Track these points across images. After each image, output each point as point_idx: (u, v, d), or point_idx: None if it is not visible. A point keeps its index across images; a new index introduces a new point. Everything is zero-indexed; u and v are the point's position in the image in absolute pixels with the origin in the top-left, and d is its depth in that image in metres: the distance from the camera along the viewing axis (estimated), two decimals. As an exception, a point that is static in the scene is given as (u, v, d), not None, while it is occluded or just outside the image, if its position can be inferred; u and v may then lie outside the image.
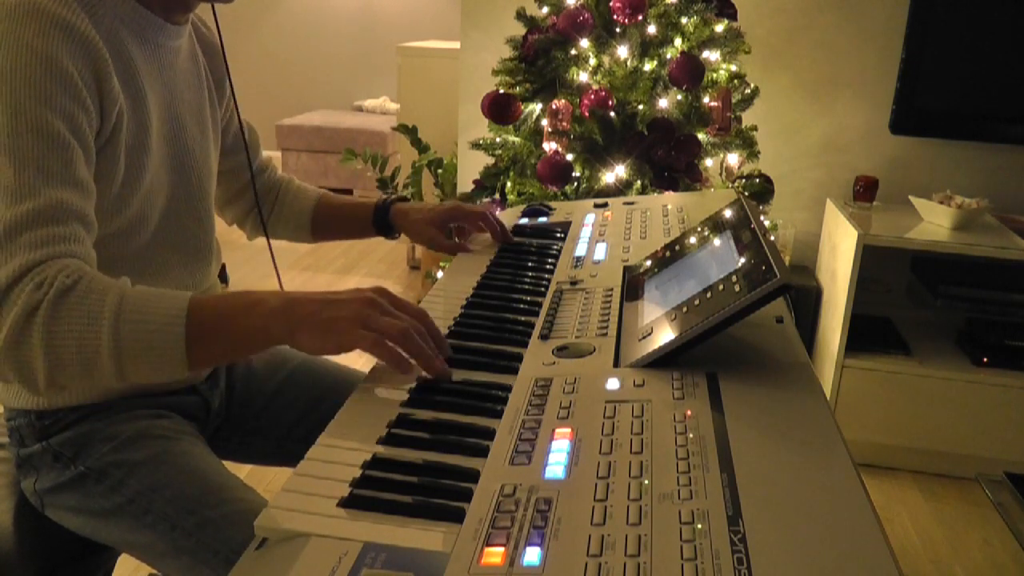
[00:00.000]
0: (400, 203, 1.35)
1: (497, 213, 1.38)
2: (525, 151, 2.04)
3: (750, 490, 0.64)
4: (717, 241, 1.01)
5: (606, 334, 0.95)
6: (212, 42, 1.22)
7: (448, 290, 1.14)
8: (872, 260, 2.33)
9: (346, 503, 0.67)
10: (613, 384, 0.83)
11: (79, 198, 0.87)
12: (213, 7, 1.14)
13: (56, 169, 0.85)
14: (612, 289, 1.09)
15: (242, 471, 1.92)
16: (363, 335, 0.82)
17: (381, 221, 1.35)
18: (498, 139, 2.11)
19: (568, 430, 0.75)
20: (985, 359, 2.29)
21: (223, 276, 3.43)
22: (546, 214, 1.47)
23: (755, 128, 2.15)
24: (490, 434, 0.76)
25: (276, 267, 1.38)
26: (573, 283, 1.13)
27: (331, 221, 1.39)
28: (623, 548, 0.58)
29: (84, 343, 0.80)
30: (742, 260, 0.89)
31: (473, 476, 0.70)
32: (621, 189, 1.90)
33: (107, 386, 1.02)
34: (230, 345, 0.87)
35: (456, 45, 3.53)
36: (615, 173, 1.90)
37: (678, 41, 1.96)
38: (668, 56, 1.95)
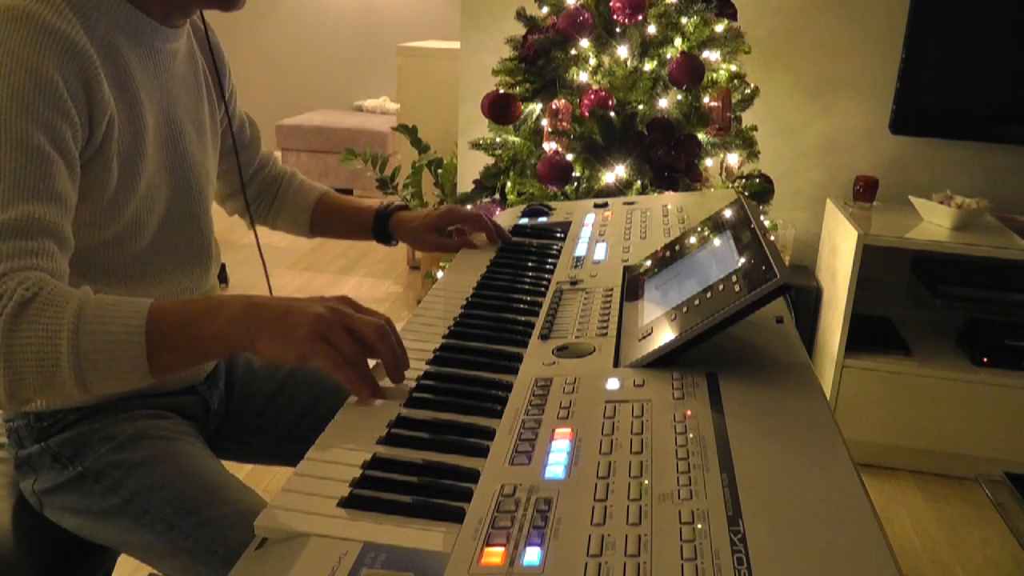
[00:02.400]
0: (399, 212, 1.36)
1: (497, 213, 1.38)
2: (525, 151, 2.03)
3: (750, 490, 0.64)
4: (717, 241, 1.00)
5: (606, 334, 0.95)
6: (211, 42, 1.21)
7: (448, 290, 1.14)
8: (872, 260, 2.32)
9: (346, 503, 0.67)
10: (613, 384, 0.82)
11: (54, 213, 0.85)
12: (202, 12, 1.11)
13: (33, 183, 0.84)
14: (612, 289, 1.09)
15: (242, 471, 1.92)
16: (323, 349, 0.80)
17: (380, 229, 1.36)
18: (498, 139, 2.11)
19: (568, 430, 0.75)
20: (985, 359, 2.28)
21: (223, 276, 3.42)
22: (546, 214, 1.47)
23: (755, 128, 2.15)
24: (490, 434, 0.76)
25: (266, 268, 1.38)
26: (573, 283, 1.13)
27: (330, 221, 1.40)
28: (623, 548, 0.58)
29: (44, 356, 0.78)
30: (742, 260, 0.89)
31: (473, 476, 0.70)
32: (621, 189, 1.89)
33: (72, 398, 1.00)
34: (192, 351, 0.85)
35: (456, 45, 3.53)
36: (615, 173, 1.90)
37: (678, 41, 1.96)
38: (668, 56, 1.95)
